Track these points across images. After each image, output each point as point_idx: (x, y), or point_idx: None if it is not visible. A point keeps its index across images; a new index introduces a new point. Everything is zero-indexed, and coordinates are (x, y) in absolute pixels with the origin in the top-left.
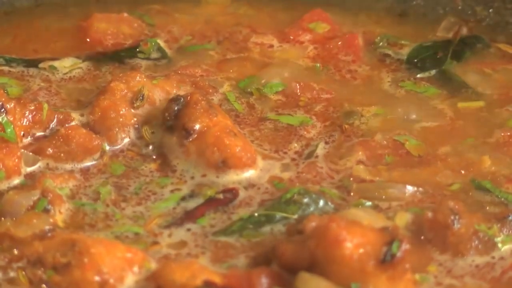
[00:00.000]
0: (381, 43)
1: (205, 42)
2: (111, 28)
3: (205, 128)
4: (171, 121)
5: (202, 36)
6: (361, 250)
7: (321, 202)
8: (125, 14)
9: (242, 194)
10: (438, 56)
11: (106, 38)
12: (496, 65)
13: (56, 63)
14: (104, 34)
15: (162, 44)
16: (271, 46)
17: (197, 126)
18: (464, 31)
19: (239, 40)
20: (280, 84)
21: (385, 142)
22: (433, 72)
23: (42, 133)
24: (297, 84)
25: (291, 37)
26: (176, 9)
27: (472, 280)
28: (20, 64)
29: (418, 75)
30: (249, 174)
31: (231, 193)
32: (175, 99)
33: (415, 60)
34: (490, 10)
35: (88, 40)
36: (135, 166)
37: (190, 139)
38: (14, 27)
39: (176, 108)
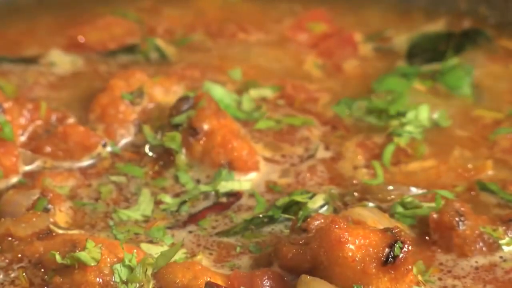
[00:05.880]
0: (379, 40)
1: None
2: (103, 34)
3: (213, 129)
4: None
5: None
6: (363, 252)
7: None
8: (109, 16)
9: (245, 196)
10: (438, 50)
11: (101, 43)
12: (497, 62)
13: (53, 61)
14: (98, 41)
15: (160, 43)
16: (268, 44)
17: (205, 126)
18: (466, 24)
19: (233, 37)
20: (277, 87)
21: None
22: (433, 67)
23: (40, 132)
24: (294, 84)
25: (289, 36)
26: (166, 5)
27: (475, 281)
28: (16, 63)
29: (418, 71)
30: (251, 177)
31: (234, 196)
32: (185, 98)
33: (415, 56)
34: (493, 10)
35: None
36: (135, 165)
37: (197, 138)
38: (12, 26)
39: (185, 107)
